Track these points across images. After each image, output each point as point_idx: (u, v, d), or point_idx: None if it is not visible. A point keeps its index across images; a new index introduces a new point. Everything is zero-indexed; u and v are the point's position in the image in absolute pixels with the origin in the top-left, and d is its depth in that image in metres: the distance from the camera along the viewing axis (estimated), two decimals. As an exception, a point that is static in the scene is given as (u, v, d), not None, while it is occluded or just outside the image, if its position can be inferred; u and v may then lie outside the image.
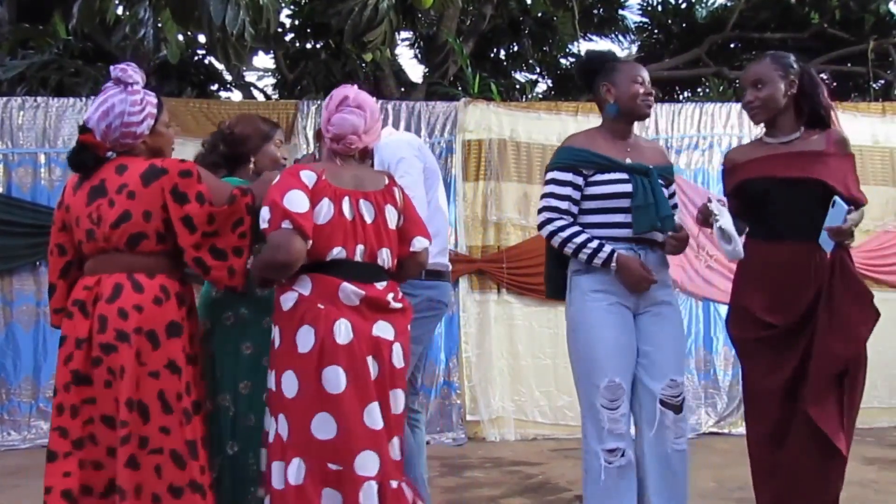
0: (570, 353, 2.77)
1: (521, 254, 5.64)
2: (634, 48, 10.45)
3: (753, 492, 2.80)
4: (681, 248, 2.79)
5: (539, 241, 5.43)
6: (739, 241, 2.66)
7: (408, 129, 5.62)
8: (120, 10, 7.02)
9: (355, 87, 2.52)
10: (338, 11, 6.50)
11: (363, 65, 8.18)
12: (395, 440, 2.41)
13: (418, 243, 2.54)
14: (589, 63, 2.94)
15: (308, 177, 2.36)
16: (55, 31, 7.73)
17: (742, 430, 5.38)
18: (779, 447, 2.67)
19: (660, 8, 9.66)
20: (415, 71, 12.95)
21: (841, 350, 2.63)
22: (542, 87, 10.24)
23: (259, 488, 2.48)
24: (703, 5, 9.63)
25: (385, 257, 2.45)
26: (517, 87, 9.19)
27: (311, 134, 5.53)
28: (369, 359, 2.34)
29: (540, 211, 2.77)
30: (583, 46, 9.32)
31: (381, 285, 2.43)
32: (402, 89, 8.44)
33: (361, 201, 2.43)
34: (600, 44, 10.36)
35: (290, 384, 2.30)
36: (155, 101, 2.49)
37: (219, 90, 9.01)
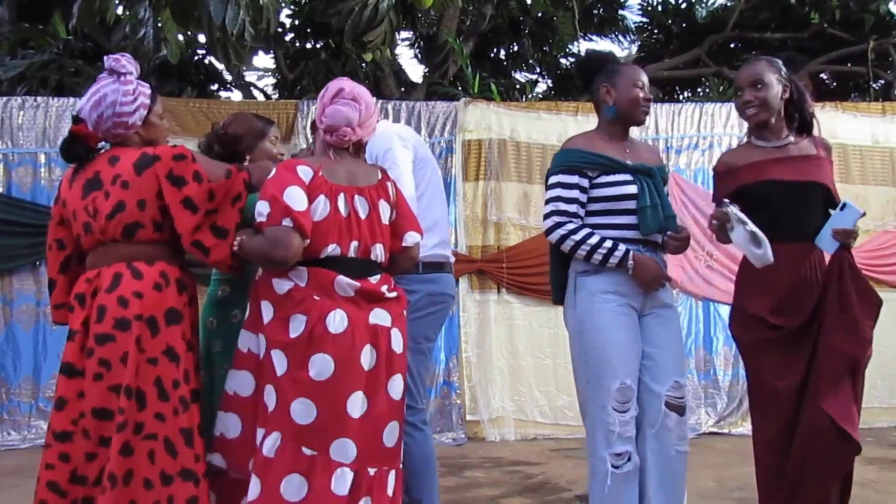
0: (575, 355, 2.74)
1: (521, 254, 5.65)
2: (634, 48, 10.46)
3: (757, 494, 2.77)
4: (682, 247, 2.78)
5: (539, 240, 5.50)
6: (769, 245, 2.60)
7: (408, 128, 5.62)
8: (120, 10, 7.03)
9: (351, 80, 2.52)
10: (338, 11, 6.50)
11: (363, 65, 8.19)
12: (394, 425, 2.42)
13: (410, 238, 2.55)
14: (589, 63, 2.92)
15: (304, 172, 2.36)
16: (55, 31, 7.74)
17: (742, 430, 5.48)
18: (787, 450, 2.64)
19: (660, 8, 9.66)
20: (415, 71, 12.99)
21: (851, 349, 2.62)
22: (542, 87, 10.26)
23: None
24: (703, 5, 9.62)
25: (378, 252, 2.46)
26: (517, 87, 9.20)
27: (310, 133, 5.53)
28: (367, 347, 2.35)
29: (547, 215, 2.72)
30: (583, 46, 9.34)
31: (374, 279, 2.44)
32: (402, 89, 8.45)
33: (356, 197, 2.43)
34: (600, 44, 10.40)
35: (279, 362, 2.32)
36: (148, 91, 2.48)
37: (219, 90, 9.01)
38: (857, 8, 8.38)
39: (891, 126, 6.11)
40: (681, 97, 10.02)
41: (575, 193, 2.70)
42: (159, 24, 6.34)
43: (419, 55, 10.20)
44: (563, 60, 10.16)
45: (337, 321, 2.31)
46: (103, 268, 2.38)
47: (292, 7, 8.24)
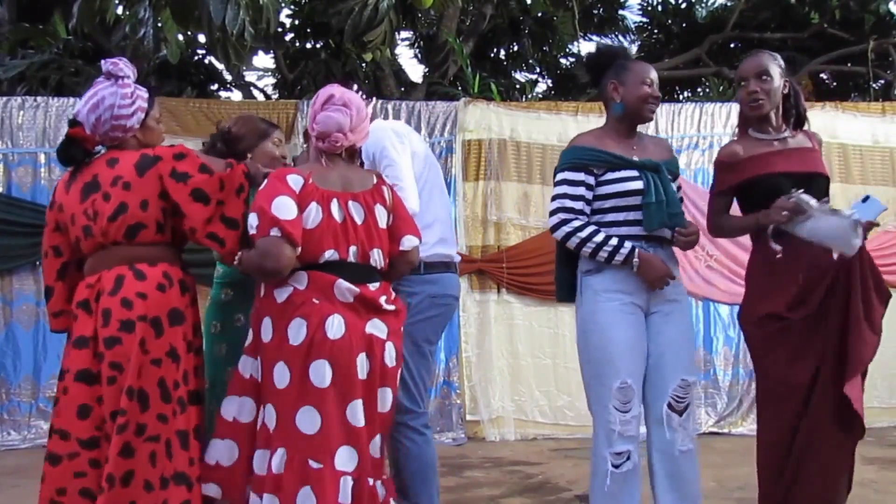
0: (581, 355, 2.74)
1: (521, 254, 5.65)
2: (634, 48, 10.44)
3: (758, 492, 2.77)
4: (692, 243, 2.77)
5: (539, 240, 5.51)
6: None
7: (408, 128, 5.61)
8: (120, 10, 7.01)
9: (342, 87, 2.51)
10: (338, 11, 6.50)
11: (363, 65, 8.18)
12: (377, 438, 2.43)
13: (408, 242, 2.55)
14: (599, 58, 2.89)
15: (295, 181, 2.36)
16: (55, 31, 7.74)
17: (742, 430, 5.48)
18: (789, 451, 2.64)
19: (660, 8, 9.66)
20: (415, 71, 12.97)
21: (874, 340, 2.64)
22: (542, 86, 10.25)
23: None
24: (703, 5, 9.62)
25: (377, 257, 2.46)
26: (517, 86, 9.19)
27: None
28: (362, 356, 2.35)
29: (553, 212, 2.71)
30: (583, 46, 9.34)
31: (373, 286, 2.44)
32: (402, 89, 8.45)
33: (350, 202, 2.43)
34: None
35: (281, 375, 2.32)
36: (146, 95, 2.48)
37: (219, 90, 9.01)
38: (857, 8, 8.38)
39: (891, 126, 6.10)
40: (681, 97, 10.01)
41: (581, 191, 2.69)
42: (159, 24, 6.33)
43: (419, 55, 10.20)
44: (563, 60, 10.16)
45: (335, 326, 2.31)
46: (104, 271, 2.37)
47: (292, 7, 8.24)
